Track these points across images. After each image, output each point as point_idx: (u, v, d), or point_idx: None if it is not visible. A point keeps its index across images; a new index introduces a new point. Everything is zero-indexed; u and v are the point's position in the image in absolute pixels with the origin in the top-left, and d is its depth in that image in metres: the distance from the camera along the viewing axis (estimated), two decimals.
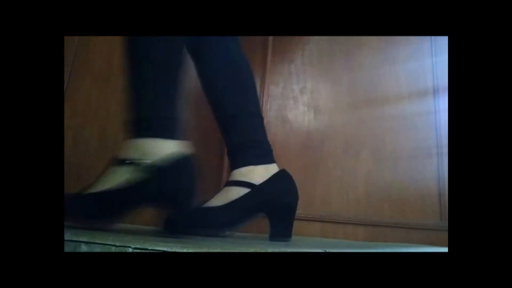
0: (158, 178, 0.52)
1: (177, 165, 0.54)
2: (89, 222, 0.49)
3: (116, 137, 1.01)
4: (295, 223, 0.95)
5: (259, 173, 0.61)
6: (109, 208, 0.51)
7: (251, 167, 0.62)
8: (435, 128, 1.01)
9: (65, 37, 1.05)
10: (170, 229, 0.51)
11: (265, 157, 0.64)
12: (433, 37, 1.08)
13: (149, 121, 0.55)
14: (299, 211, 0.94)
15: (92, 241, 0.33)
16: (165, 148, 0.54)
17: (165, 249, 0.32)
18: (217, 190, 0.94)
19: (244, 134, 0.64)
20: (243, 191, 0.59)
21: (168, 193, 0.53)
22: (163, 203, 0.53)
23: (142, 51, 0.57)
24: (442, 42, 1.08)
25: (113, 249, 0.32)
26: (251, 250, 0.35)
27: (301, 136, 1.00)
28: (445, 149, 0.99)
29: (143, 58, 0.57)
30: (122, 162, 0.53)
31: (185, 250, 0.32)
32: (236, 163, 0.63)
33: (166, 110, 0.57)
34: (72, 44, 1.09)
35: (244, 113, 0.65)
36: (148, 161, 0.53)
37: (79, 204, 0.51)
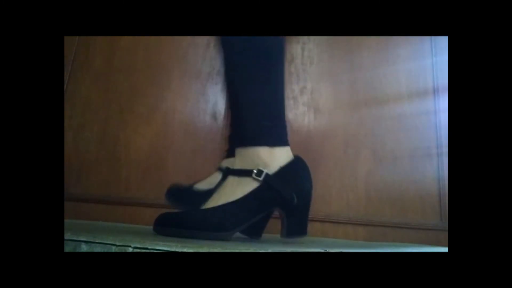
0: (281, 185, 0.53)
1: (296, 169, 0.56)
2: (218, 235, 0.50)
3: (116, 137, 1.01)
4: None
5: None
6: (238, 219, 0.52)
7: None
8: (435, 128, 1.01)
9: (65, 37, 1.05)
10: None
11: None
12: (433, 37, 1.08)
13: (264, 129, 0.56)
14: None
15: (92, 240, 0.33)
16: (280, 156, 0.55)
17: (165, 248, 0.32)
18: None
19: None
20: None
21: (291, 197, 0.53)
22: (286, 207, 0.54)
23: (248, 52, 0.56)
24: (442, 42, 1.08)
25: (113, 249, 0.32)
26: (251, 250, 0.35)
27: (301, 136, 1.00)
28: (445, 149, 0.99)
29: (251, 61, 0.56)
30: (240, 172, 0.54)
31: (185, 250, 0.32)
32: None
33: (279, 117, 0.58)
34: (72, 44, 1.09)
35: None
36: (269, 172, 0.53)
37: (207, 218, 0.51)
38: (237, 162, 0.56)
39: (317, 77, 1.05)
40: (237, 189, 0.53)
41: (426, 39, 1.09)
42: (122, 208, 0.95)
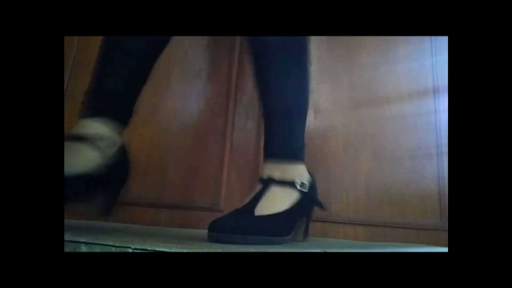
0: (315, 194, 0.65)
1: (314, 181, 0.66)
2: (276, 240, 0.55)
3: None
4: None
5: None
6: (291, 225, 0.59)
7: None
8: (435, 128, 1.01)
9: (65, 37, 1.05)
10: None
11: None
12: (433, 37, 1.08)
13: (303, 146, 0.66)
14: None
15: (92, 241, 0.33)
16: (305, 171, 0.64)
17: (165, 249, 0.32)
18: (217, 189, 0.93)
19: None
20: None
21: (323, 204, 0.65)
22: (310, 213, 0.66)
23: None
24: (442, 42, 1.08)
25: (113, 250, 0.32)
26: (251, 250, 0.35)
27: None
28: (445, 149, 0.99)
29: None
30: (284, 183, 0.61)
31: (185, 251, 0.32)
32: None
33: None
34: (72, 44, 1.09)
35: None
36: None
37: (265, 224, 0.55)
38: (278, 173, 0.62)
39: (317, 77, 1.05)
40: (283, 199, 0.59)
41: (426, 39, 1.09)
42: (122, 208, 0.95)
